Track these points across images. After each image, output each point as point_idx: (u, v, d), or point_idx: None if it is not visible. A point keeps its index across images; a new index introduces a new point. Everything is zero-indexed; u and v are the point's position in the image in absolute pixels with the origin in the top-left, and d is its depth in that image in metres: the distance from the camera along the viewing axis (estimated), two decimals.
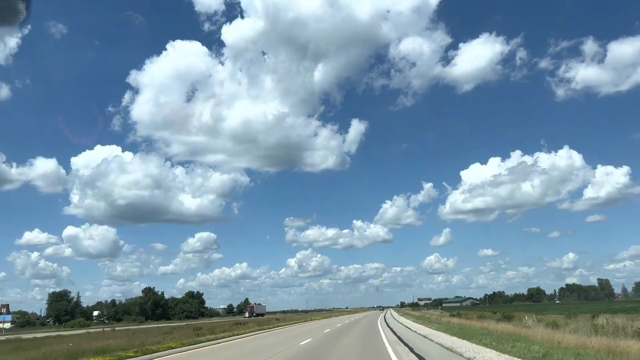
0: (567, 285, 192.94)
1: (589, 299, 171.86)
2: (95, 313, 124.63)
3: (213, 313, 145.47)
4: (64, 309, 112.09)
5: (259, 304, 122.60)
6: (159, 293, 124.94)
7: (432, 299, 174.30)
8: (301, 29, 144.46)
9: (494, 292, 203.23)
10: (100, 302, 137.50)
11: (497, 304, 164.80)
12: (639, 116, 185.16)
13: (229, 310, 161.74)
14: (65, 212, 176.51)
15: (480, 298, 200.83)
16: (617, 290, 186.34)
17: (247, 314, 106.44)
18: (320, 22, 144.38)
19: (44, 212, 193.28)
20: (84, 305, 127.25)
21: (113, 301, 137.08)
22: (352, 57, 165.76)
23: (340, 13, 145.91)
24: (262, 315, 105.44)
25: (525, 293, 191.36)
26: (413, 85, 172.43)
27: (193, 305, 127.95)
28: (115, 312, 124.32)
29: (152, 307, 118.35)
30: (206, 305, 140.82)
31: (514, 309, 73.51)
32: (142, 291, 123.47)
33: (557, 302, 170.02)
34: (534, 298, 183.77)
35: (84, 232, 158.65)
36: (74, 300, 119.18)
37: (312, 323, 48.45)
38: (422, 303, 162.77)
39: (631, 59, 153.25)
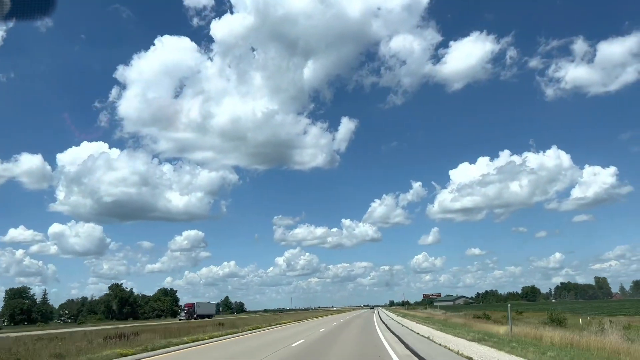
0: (562, 283, 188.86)
1: (586, 298, 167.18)
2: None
3: None
4: (19, 307, 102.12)
5: (204, 302, 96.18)
6: (127, 290, 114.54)
7: (442, 294, 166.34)
8: (291, 26, 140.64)
9: (486, 291, 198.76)
10: (72, 299, 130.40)
11: (490, 302, 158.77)
12: (627, 117, 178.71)
13: None
14: (51, 209, 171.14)
15: (472, 297, 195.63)
16: (614, 288, 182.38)
17: (183, 315, 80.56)
18: (311, 19, 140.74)
19: (29, 208, 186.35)
20: (55, 303, 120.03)
21: (84, 299, 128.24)
22: (342, 54, 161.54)
23: (331, 10, 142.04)
24: (208, 316, 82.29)
25: (519, 292, 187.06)
26: (403, 84, 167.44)
27: (165, 304, 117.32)
28: (79, 310, 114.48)
29: (119, 305, 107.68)
30: (180, 303, 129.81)
31: (512, 308, 64.53)
32: (109, 288, 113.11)
33: (554, 301, 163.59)
34: (529, 297, 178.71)
35: (70, 230, 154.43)
36: (35, 297, 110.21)
37: (271, 332, 33.08)
38: (434, 301, 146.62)
39: (620, 59, 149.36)
